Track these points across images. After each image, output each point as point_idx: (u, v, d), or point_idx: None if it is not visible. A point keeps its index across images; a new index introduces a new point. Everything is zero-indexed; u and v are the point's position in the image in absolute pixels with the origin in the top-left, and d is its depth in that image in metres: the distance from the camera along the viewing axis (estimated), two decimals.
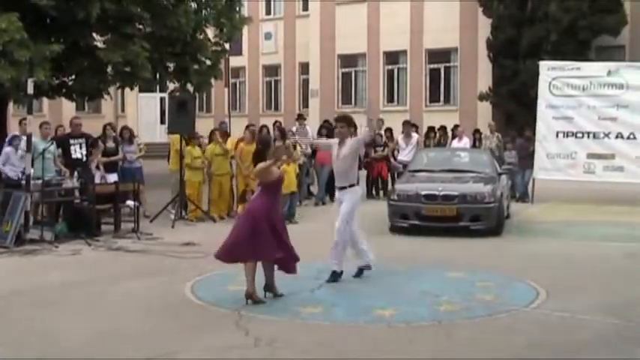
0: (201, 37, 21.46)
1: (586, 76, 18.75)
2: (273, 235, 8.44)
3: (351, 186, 9.74)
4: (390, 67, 32.70)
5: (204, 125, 24.91)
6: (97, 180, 15.29)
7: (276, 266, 8.70)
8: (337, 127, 9.95)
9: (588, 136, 18.58)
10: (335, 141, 10.04)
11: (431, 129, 21.37)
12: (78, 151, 14.61)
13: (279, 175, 8.87)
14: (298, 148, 17.69)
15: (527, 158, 19.09)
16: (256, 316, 7.90)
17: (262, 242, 8.35)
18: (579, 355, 6.72)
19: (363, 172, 20.00)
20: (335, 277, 9.56)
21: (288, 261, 8.72)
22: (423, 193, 13.70)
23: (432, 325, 7.64)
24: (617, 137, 18.33)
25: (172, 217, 15.39)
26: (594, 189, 19.02)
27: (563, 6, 26.21)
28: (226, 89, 31.85)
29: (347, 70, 33.71)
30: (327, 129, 19.41)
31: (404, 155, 19.11)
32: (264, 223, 8.35)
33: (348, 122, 9.88)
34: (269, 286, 8.65)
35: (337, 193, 9.87)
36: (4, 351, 6.79)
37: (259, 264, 8.53)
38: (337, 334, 7.33)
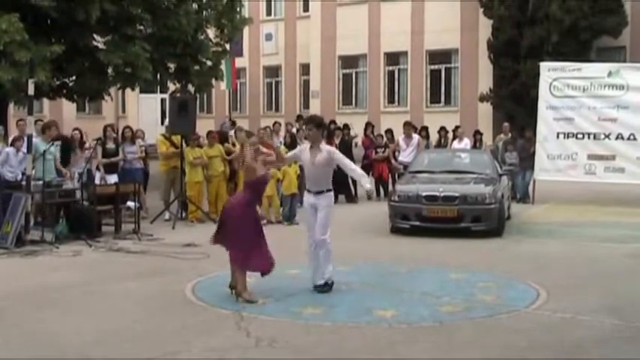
0: (203, 37, 21.44)
1: (587, 77, 18.74)
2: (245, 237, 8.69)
3: (328, 190, 9.28)
4: (390, 68, 32.68)
5: (205, 126, 24.94)
6: (97, 181, 15.32)
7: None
8: (306, 129, 9.53)
9: (589, 137, 18.58)
10: (304, 147, 9.53)
11: (442, 128, 21.30)
12: None
13: (264, 175, 8.99)
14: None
15: (527, 159, 19.09)
16: (257, 316, 7.90)
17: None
18: (580, 356, 6.72)
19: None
20: (328, 287, 9.18)
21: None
22: (424, 194, 13.71)
23: (433, 325, 7.64)
24: (617, 138, 18.31)
25: (167, 216, 15.40)
26: (595, 190, 19.03)
27: (563, 7, 26.17)
28: (227, 91, 31.87)
29: (348, 71, 33.69)
30: (327, 129, 19.42)
31: (405, 156, 19.11)
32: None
33: (317, 124, 9.25)
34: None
35: (312, 198, 9.23)
36: (4, 351, 6.79)
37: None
38: (338, 334, 7.33)
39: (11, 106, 20.89)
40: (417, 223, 13.66)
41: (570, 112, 18.76)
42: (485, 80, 29.35)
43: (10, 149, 13.77)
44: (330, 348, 6.91)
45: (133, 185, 14.44)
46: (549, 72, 19.18)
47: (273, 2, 36.80)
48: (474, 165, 15.52)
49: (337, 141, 19.44)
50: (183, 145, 15.66)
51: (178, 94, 20.10)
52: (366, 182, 9.39)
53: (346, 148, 19.56)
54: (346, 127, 20.56)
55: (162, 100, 33.67)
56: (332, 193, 9.41)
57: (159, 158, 16.52)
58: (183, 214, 15.62)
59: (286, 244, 12.83)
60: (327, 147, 9.28)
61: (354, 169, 9.59)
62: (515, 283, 9.64)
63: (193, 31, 20.01)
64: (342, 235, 13.86)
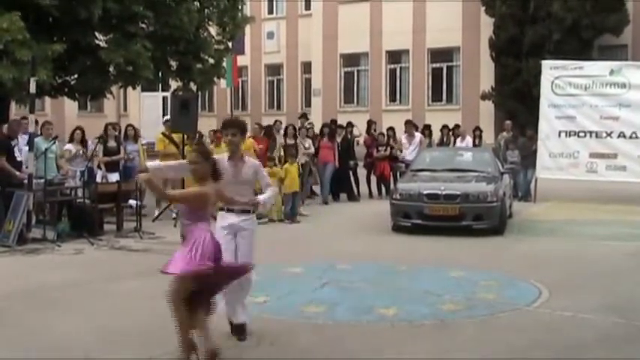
0: (205, 34, 21.42)
1: (588, 76, 18.76)
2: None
3: (254, 211, 7.29)
4: (392, 66, 32.67)
5: (206, 124, 24.95)
6: (99, 179, 15.33)
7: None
8: (228, 134, 7.15)
9: (590, 136, 18.59)
10: (220, 157, 7.06)
11: (444, 127, 21.24)
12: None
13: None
14: (301, 147, 17.74)
15: (529, 157, 19.10)
16: (259, 315, 7.88)
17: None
18: (581, 354, 6.72)
19: (364, 172, 20.06)
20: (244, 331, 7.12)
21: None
22: (426, 192, 13.71)
23: (435, 324, 7.64)
24: (619, 136, 18.33)
25: (174, 215, 15.39)
26: (597, 188, 19.02)
27: (565, 5, 26.18)
28: (228, 89, 31.86)
29: (349, 69, 33.68)
30: (329, 128, 19.43)
31: (407, 154, 19.12)
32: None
33: (241, 128, 7.24)
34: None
35: (233, 217, 7.07)
36: (4, 351, 6.79)
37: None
38: (340, 333, 7.33)
39: (13, 104, 20.90)
40: (419, 221, 13.66)
41: (572, 111, 18.77)
42: (486, 78, 29.36)
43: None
44: (332, 347, 6.91)
45: (135, 183, 14.44)
46: (551, 70, 19.19)
47: (274, 1, 36.81)
48: (476, 163, 15.52)
49: (339, 139, 19.46)
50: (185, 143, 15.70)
51: (180, 93, 20.10)
52: (266, 198, 7.23)
53: (348, 147, 19.60)
54: (349, 124, 20.56)
55: (164, 99, 33.67)
56: (254, 215, 7.32)
57: (158, 156, 16.52)
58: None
59: (288, 243, 12.86)
60: (251, 159, 7.42)
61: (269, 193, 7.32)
62: (517, 282, 9.64)
63: (195, 29, 19.99)
64: (344, 233, 13.92)
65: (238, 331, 7.06)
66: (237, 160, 7.11)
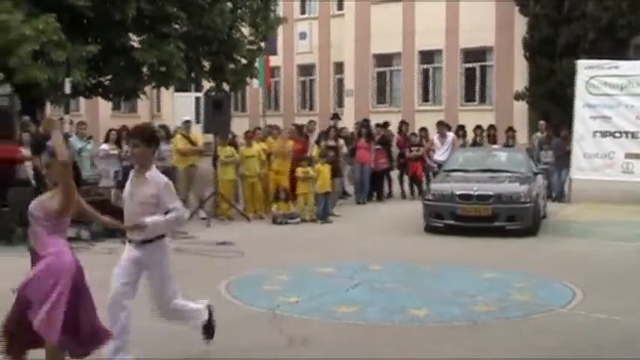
0: (237, 35, 21.52)
1: (624, 75, 18.52)
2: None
3: (161, 237, 6.37)
4: (425, 66, 32.54)
5: (239, 125, 25.02)
6: None
7: None
8: (130, 145, 6.56)
9: (626, 136, 18.37)
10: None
11: (478, 127, 21.04)
12: None
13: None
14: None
15: (563, 158, 18.92)
16: (291, 315, 7.91)
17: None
18: (613, 356, 6.65)
19: (396, 172, 20.01)
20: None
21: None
22: (458, 192, 13.64)
23: (467, 325, 7.60)
24: None
25: (202, 215, 15.37)
26: (632, 189, 18.77)
27: (601, 5, 25.91)
28: (261, 89, 31.96)
29: (382, 69, 33.60)
30: (366, 128, 19.38)
31: (439, 155, 19.02)
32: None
33: (146, 139, 6.19)
34: None
35: (134, 251, 6.38)
36: None
37: None
38: (371, 333, 7.32)
39: (48, 104, 21.14)
40: (452, 222, 13.60)
41: (607, 111, 18.54)
42: (520, 79, 29.12)
43: None
44: (363, 348, 6.90)
45: None
46: (586, 70, 18.98)
47: (307, 1, 36.83)
48: (509, 164, 15.40)
49: (377, 138, 19.45)
50: (217, 142, 15.77)
51: (213, 93, 20.21)
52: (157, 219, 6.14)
53: (387, 147, 19.62)
54: (386, 124, 20.63)
55: (197, 99, 33.84)
56: (166, 240, 6.49)
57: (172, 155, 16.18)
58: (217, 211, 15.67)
59: (320, 243, 12.87)
60: (158, 177, 6.25)
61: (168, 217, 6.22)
62: (551, 283, 9.56)
63: (228, 30, 20.10)
64: (376, 233, 13.89)
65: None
66: (140, 175, 6.20)
